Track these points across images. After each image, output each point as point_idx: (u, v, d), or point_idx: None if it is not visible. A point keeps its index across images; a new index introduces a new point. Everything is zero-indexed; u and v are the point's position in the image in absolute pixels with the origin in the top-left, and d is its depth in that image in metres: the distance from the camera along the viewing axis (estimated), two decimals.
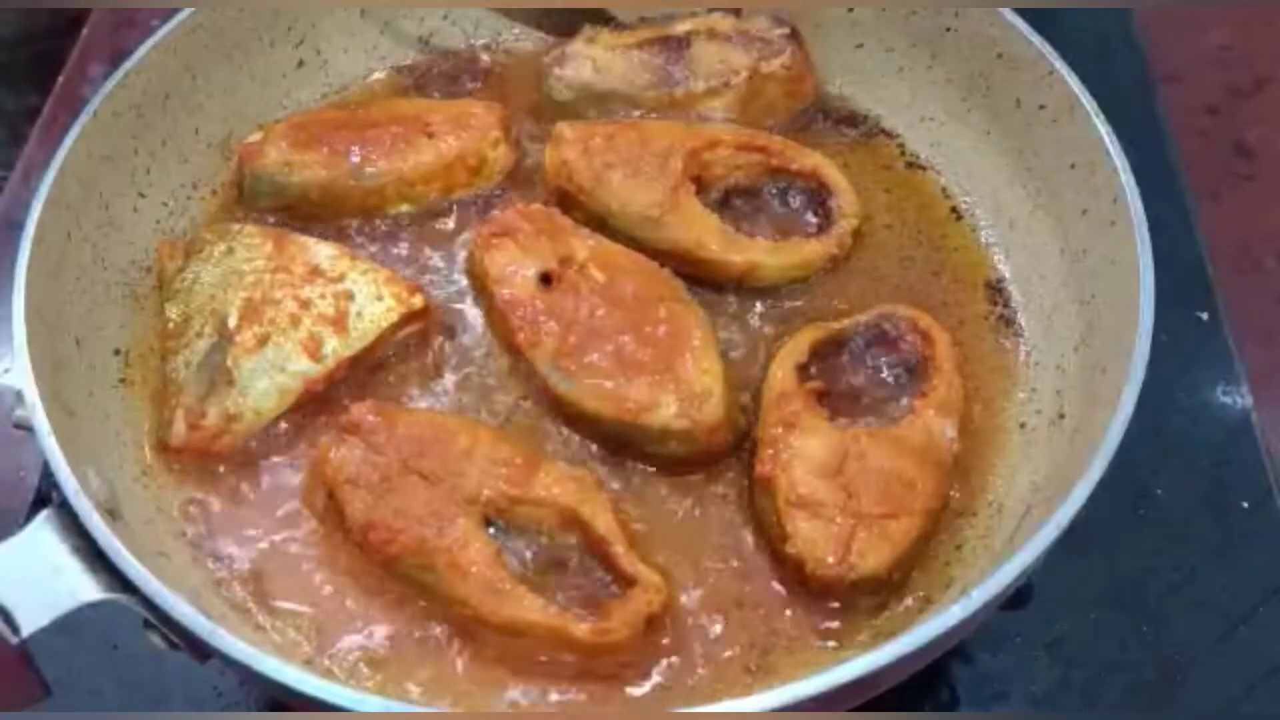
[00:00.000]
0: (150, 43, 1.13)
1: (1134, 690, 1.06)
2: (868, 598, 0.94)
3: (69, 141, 1.05)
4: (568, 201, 1.15)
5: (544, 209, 1.12)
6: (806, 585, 0.94)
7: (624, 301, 1.05)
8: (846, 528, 0.93)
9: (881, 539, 0.93)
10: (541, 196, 1.18)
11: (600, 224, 1.13)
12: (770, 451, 0.97)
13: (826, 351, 1.04)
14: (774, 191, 1.18)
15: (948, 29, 1.20)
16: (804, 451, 0.96)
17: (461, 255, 1.15)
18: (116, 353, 1.08)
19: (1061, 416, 1.02)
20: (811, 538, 0.93)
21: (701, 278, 1.12)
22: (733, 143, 1.16)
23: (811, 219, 1.16)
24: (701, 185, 1.15)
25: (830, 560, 0.92)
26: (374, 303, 1.07)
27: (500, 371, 1.08)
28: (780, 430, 0.98)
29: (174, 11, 1.15)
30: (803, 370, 1.02)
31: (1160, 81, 1.51)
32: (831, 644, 0.94)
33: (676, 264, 1.11)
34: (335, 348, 1.05)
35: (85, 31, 1.59)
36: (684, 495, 1.01)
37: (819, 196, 1.16)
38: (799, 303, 1.12)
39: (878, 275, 1.14)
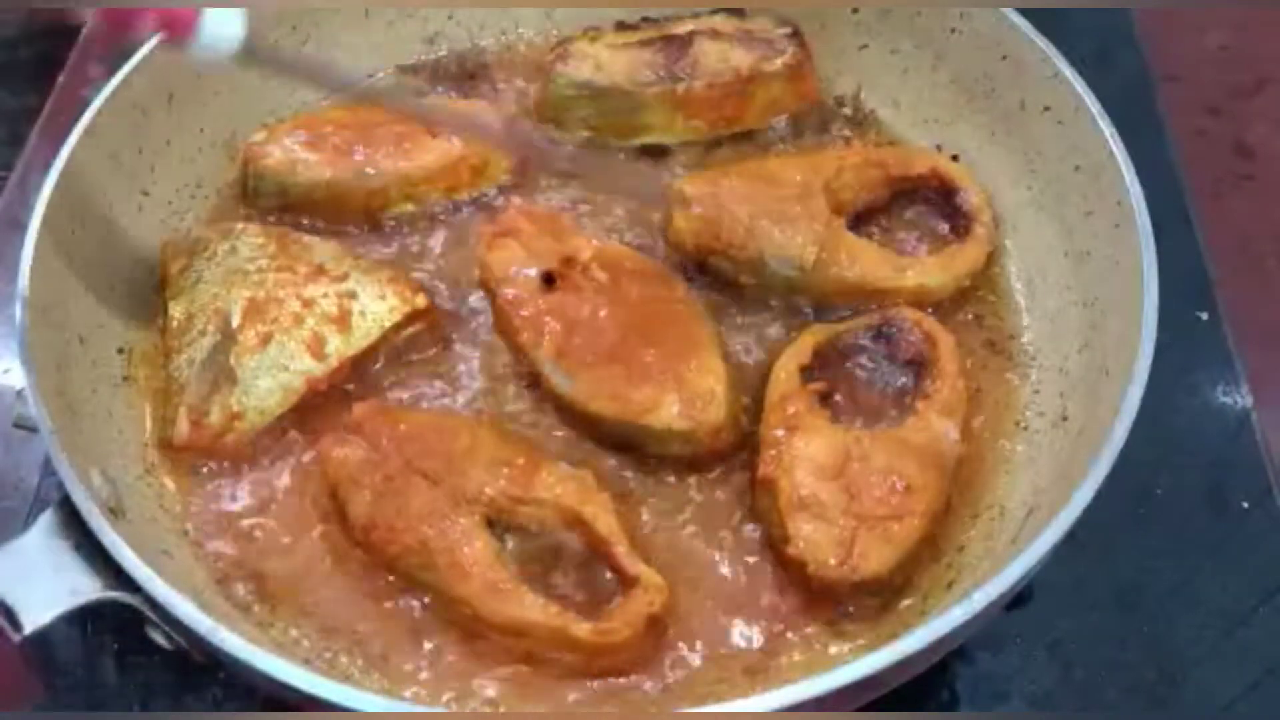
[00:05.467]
0: (155, 41, 1.13)
1: (1134, 690, 1.06)
2: (870, 599, 0.94)
3: (73, 139, 1.06)
4: (709, 256, 1.11)
5: (547, 209, 1.12)
6: (808, 586, 0.94)
7: (627, 302, 1.05)
8: (848, 529, 0.93)
9: (884, 541, 0.93)
10: (543, 196, 1.18)
11: (750, 273, 1.10)
12: (772, 453, 0.97)
13: (829, 353, 1.05)
14: (902, 203, 1.17)
15: (953, 30, 1.20)
16: (806, 453, 0.96)
17: (465, 255, 1.15)
18: (120, 351, 1.08)
19: (1064, 418, 1.03)
20: (814, 539, 0.93)
21: (846, 303, 1.10)
22: (855, 163, 1.15)
23: (944, 221, 1.16)
24: (837, 213, 1.12)
25: (832, 562, 0.92)
26: (377, 302, 1.07)
27: (503, 371, 1.08)
28: (783, 432, 0.98)
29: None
30: (805, 372, 1.02)
31: (1160, 81, 1.51)
32: (833, 645, 0.94)
33: (841, 300, 1.09)
34: (338, 346, 1.05)
35: (85, 31, 1.59)
36: (686, 496, 1.01)
37: (945, 196, 1.16)
38: (803, 303, 1.12)
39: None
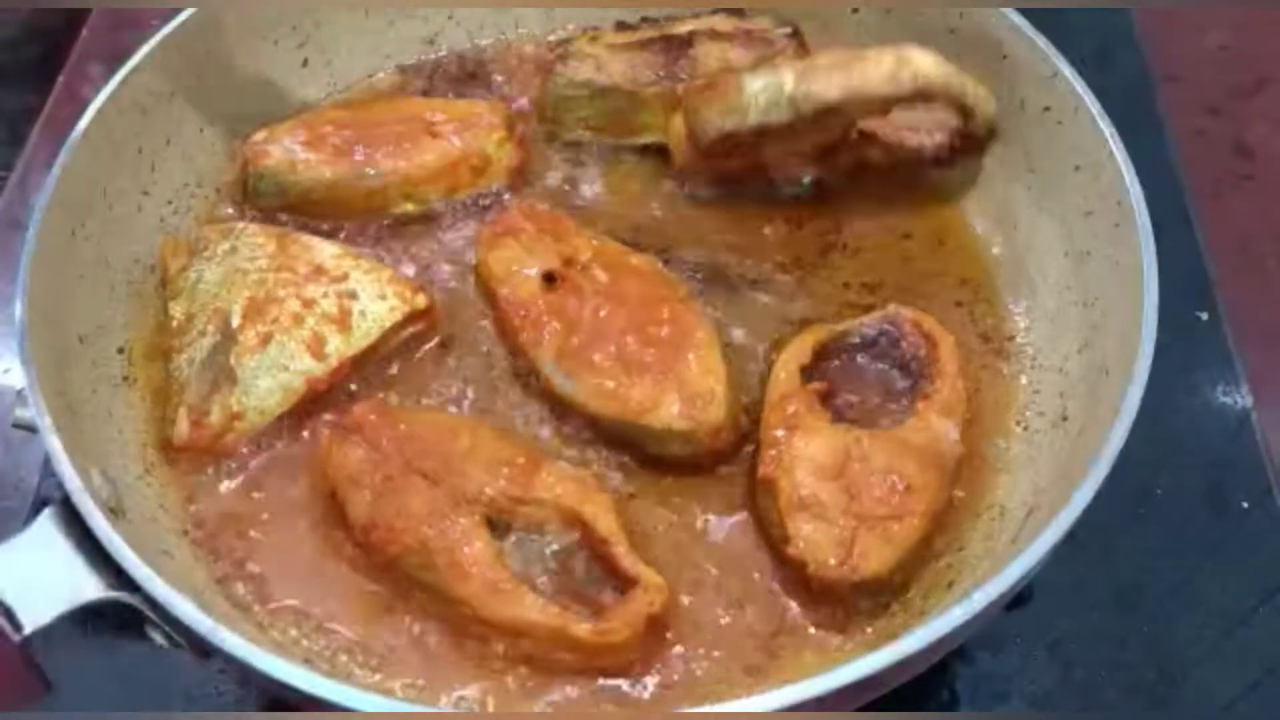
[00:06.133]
0: (155, 40, 1.13)
1: (1134, 690, 1.06)
2: (870, 599, 0.94)
3: (73, 138, 1.05)
4: (707, 137, 1.12)
5: (547, 209, 1.12)
6: (808, 587, 0.94)
7: (627, 301, 1.05)
8: (848, 529, 0.93)
9: (884, 541, 0.93)
10: (544, 198, 1.18)
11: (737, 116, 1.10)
12: (772, 453, 0.97)
13: (829, 353, 1.05)
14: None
15: (952, 30, 1.20)
16: (806, 453, 0.96)
17: (465, 255, 1.15)
18: (120, 351, 1.08)
19: (1064, 418, 1.03)
20: (814, 539, 0.93)
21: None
22: None
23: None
24: None
25: (832, 562, 0.92)
26: (377, 302, 1.07)
27: (503, 371, 1.08)
28: (783, 432, 0.98)
29: (175, 11, 1.15)
30: (805, 371, 1.02)
31: (1160, 81, 1.51)
32: (833, 645, 0.94)
33: (827, 79, 1.07)
34: (338, 346, 1.05)
35: (85, 31, 1.59)
36: (686, 496, 1.01)
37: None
38: (802, 303, 1.12)
39: (880, 276, 1.15)
